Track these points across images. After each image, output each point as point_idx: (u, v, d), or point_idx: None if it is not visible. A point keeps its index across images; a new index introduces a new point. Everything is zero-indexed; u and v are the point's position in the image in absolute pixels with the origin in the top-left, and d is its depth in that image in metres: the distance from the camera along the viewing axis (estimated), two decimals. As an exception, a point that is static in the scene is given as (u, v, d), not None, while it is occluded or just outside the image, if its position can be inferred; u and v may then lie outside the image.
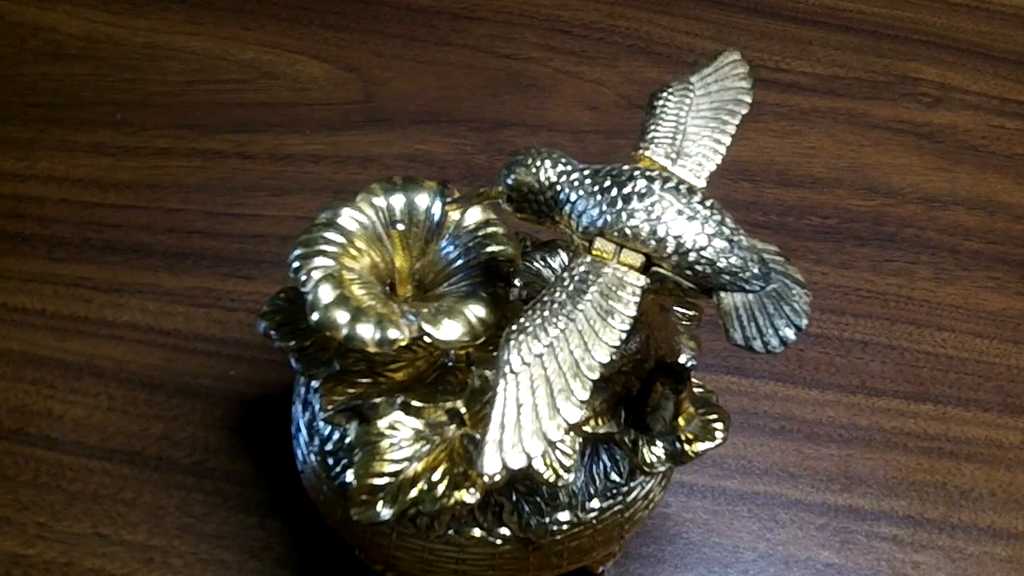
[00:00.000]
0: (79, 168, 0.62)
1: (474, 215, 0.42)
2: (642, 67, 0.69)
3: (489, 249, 0.41)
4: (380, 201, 0.42)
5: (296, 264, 0.39)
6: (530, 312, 0.34)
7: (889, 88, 0.69)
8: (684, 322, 0.45)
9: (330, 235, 0.41)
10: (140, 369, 0.55)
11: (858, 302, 0.60)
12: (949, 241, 0.62)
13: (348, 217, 0.41)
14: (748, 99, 0.40)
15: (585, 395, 0.32)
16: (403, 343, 0.37)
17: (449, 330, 0.37)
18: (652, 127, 0.38)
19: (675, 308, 0.45)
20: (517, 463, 0.31)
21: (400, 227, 0.41)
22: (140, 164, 0.63)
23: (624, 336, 0.33)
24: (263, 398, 0.54)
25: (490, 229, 0.42)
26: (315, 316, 0.38)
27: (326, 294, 0.38)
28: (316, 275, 0.39)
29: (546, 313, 0.34)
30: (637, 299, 0.34)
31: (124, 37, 0.69)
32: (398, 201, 0.42)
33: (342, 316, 0.37)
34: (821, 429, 0.55)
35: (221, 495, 0.51)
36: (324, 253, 0.40)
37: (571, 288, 0.34)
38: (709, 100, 0.39)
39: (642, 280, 0.34)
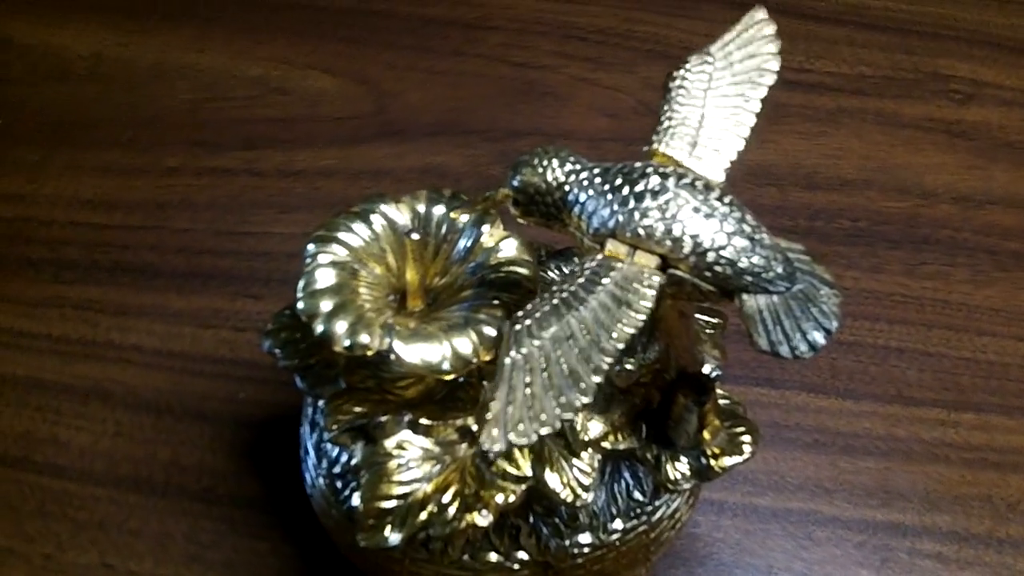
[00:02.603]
0: (87, 189, 0.61)
1: (494, 234, 0.40)
2: (661, 72, 0.66)
3: (504, 272, 0.39)
4: (421, 207, 0.40)
5: (312, 246, 0.38)
6: (538, 301, 0.31)
7: (919, 86, 0.67)
8: (708, 330, 0.42)
9: (357, 226, 0.39)
10: (147, 393, 0.53)
11: (892, 307, 0.57)
12: (986, 242, 0.60)
13: (382, 214, 0.39)
14: (774, 66, 0.37)
15: (598, 378, 0.30)
16: (370, 353, 0.35)
17: (416, 354, 0.35)
18: (667, 116, 0.36)
19: (698, 316, 0.42)
20: (522, 439, 0.29)
21: (415, 236, 0.39)
22: (148, 184, 0.61)
23: (640, 325, 0.31)
24: (273, 420, 0.52)
25: (506, 252, 0.40)
26: (300, 301, 0.36)
27: (323, 279, 0.36)
28: (323, 259, 0.37)
29: (555, 301, 0.31)
30: (654, 292, 0.32)
31: (133, 57, 0.68)
32: (438, 212, 0.40)
33: (325, 305, 0.36)
34: (857, 441, 0.53)
35: (230, 521, 0.49)
36: (343, 243, 0.38)
37: (583, 281, 0.32)
38: (731, 73, 0.37)
39: (659, 275, 0.32)
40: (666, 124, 0.36)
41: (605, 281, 0.32)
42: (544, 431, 0.29)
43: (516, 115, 0.65)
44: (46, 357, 0.54)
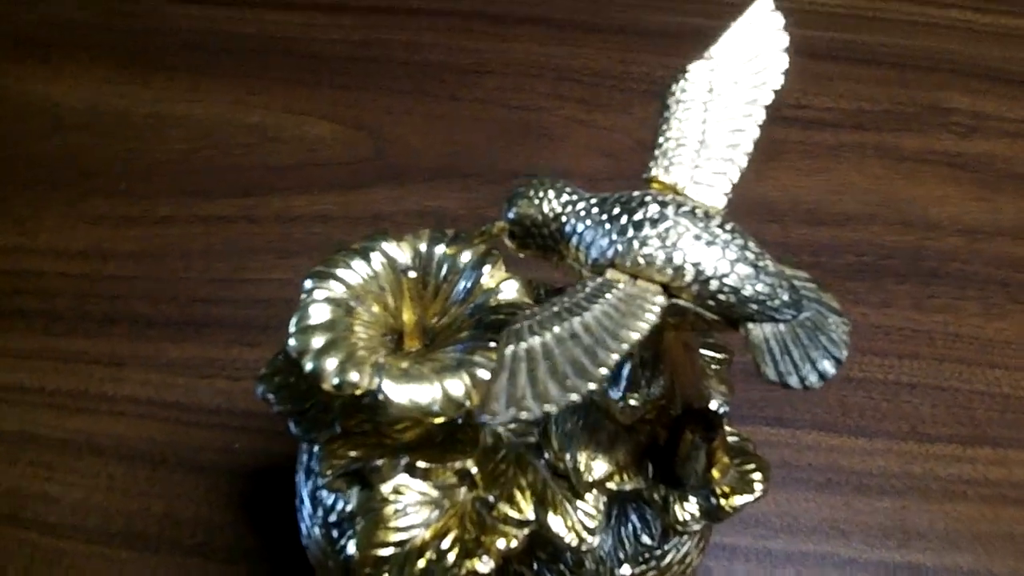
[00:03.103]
0: (80, 240, 0.60)
1: (495, 275, 0.39)
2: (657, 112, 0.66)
3: (503, 314, 0.37)
4: (423, 247, 0.39)
5: (309, 282, 0.37)
6: (538, 309, 0.30)
7: (918, 119, 0.66)
8: (713, 366, 0.41)
9: (356, 263, 0.38)
10: (141, 445, 0.52)
11: (902, 342, 0.56)
12: (996, 274, 0.59)
13: (383, 252, 0.38)
14: (782, 64, 0.36)
15: (604, 371, 0.28)
16: (358, 392, 0.34)
17: (405, 394, 0.34)
18: (666, 135, 0.35)
19: (704, 351, 0.41)
20: (525, 413, 0.27)
21: (412, 274, 0.38)
22: (142, 233, 0.61)
23: (646, 333, 0.29)
24: (270, 470, 0.51)
25: (506, 294, 0.39)
26: (292, 337, 0.35)
27: (317, 315, 0.35)
28: (318, 295, 0.36)
29: (556, 309, 0.30)
30: (658, 307, 0.30)
31: (128, 107, 0.67)
32: (439, 251, 0.39)
33: (316, 342, 0.35)
34: (871, 480, 0.51)
35: (226, 576, 0.48)
36: (340, 280, 0.37)
37: (583, 295, 0.31)
38: (734, 79, 0.36)
39: (662, 295, 0.31)
40: (664, 146, 0.35)
41: (608, 296, 0.31)
42: (549, 408, 0.27)
43: (514, 157, 0.64)
44: (38, 411, 0.53)
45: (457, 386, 0.34)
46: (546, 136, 0.65)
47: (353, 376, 0.34)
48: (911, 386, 0.54)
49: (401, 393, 0.34)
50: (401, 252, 0.39)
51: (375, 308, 0.38)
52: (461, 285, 0.39)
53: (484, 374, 0.34)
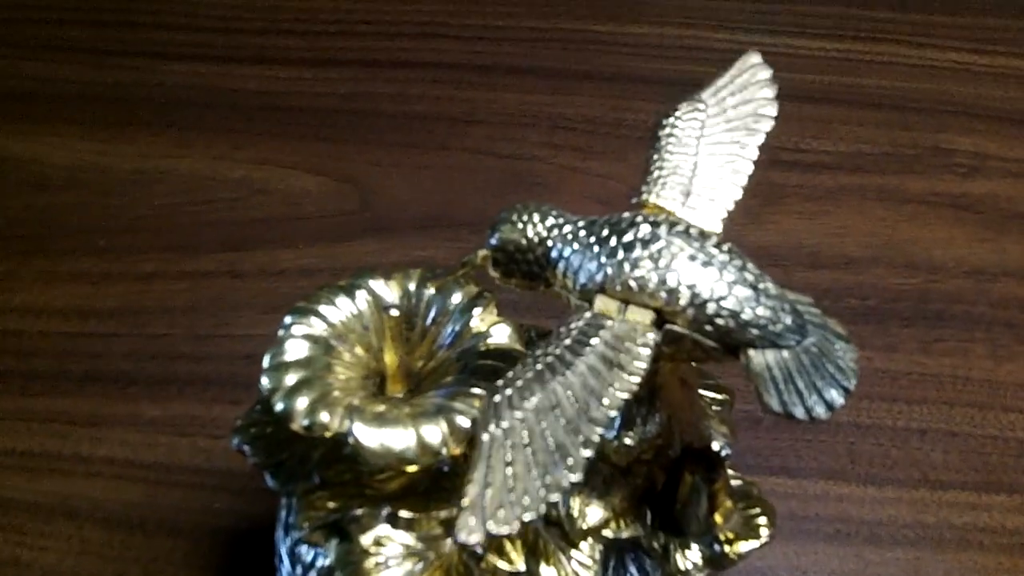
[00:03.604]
0: (59, 298, 0.58)
1: (485, 319, 0.37)
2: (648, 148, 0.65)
3: (490, 361, 0.35)
4: (412, 286, 0.37)
5: (288, 318, 0.35)
6: (521, 367, 0.28)
7: (920, 161, 0.65)
8: (714, 407, 0.39)
9: (340, 300, 0.36)
10: (118, 507, 0.49)
11: (910, 387, 0.54)
12: (1004, 315, 0.57)
13: (369, 290, 0.37)
14: (772, 112, 0.35)
15: (589, 452, 0.26)
16: (328, 434, 0.32)
17: (377, 439, 0.31)
18: (657, 165, 0.33)
19: (703, 392, 0.39)
20: (503, 527, 0.25)
21: (394, 312, 0.36)
22: (124, 290, 0.59)
23: (635, 389, 0.28)
24: (250, 532, 0.48)
25: (496, 339, 0.37)
26: (264, 374, 0.33)
27: (292, 352, 0.33)
28: (296, 331, 0.34)
29: (539, 367, 0.28)
30: (650, 351, 0.28)
31: (110, 164, 0.66)
32: (429, 293, 0.37)
33: (289, 379, 0.33)
34: (883, 530, 0.48)
35: (205, 644, 0.45)
36: (322, 316, 0.35)
37: (569, 342, 0.29)
38: (725, 119, 0.35)
39: (654, 332, 0.29)
40: (656, 174, 0.33)
41: (594, 341, 0.29)
42: (528, 516, 0.26)
43: (505, 205, 0.62)
44: (10, 473, 0.51)
45: (434, 433, 0.32)
46: (539, 184, 0.64)
47: (323, 417, 0.32)
48: (921, 432, 0.52)
49: (373, 438, 0.31)
50: (389, 291, 0.37)
51: (358, 349, 0.36)
52: (449, 328, 0.37)
53: (463, 422, 0.32)
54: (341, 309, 0.36)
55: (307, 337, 0.34)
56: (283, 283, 0.59)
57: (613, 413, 0.27)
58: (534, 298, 0.50)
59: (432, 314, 0.37)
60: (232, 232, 0.62)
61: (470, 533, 0.25)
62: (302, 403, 0.32)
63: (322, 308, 0.36)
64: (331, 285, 0.37)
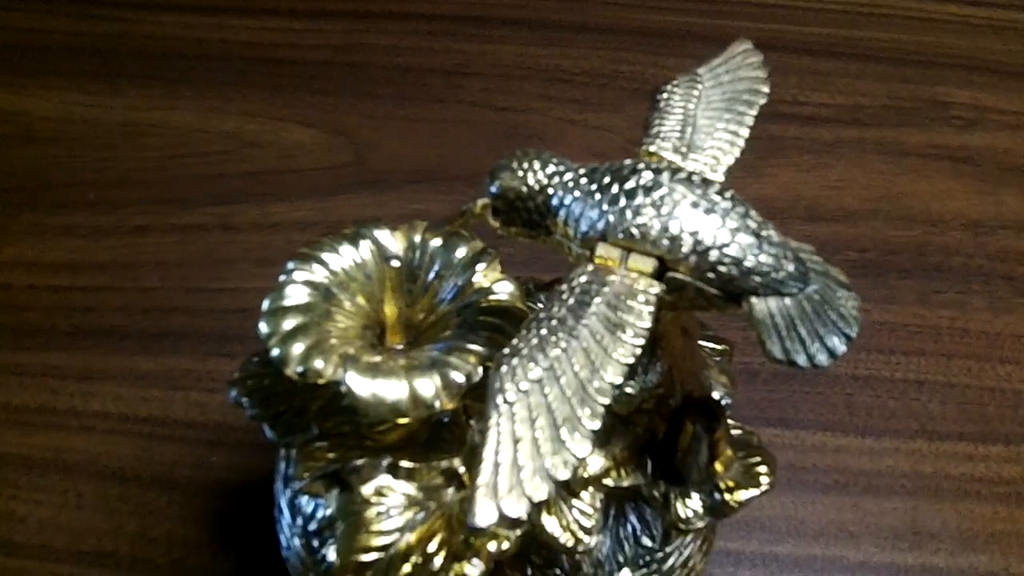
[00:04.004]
0: (50, 252, 0.58)
1: (489, 275, 0.36)
2: (649, 111, 0.65)
3: (491, 317, 0.35)
4: (418, 238, 0.37)
5: (291, 263, 0.35)
6: (524, 332, 0.28)
7: (918, 114, 0.64)
8: (715, 358, 0.39)
9: (344, 248, 0.36)
10: (112, 461, 0.49)
11: (908, 339, 0.54)
12: (1001, 268, 0.56)
13: (374, 239, 0.36)
14: (765, 88, 0.35)
15: (596, 424, 0.26)
16: (321, 381, 0.31)
17: (369, 389, 0.31)
18: (657, 122, 0.33)
19: (703, 343, 0.39)
20: (516, 511, 0.25)
21: (395, 263, 0.36)
22: (115, 244, 0.58)
23: (638, 352, 0.27)
24: (247, 485, 0.48)
25: (499, 295, 0.36)
26: (263, 318, 0.33)
27: (292, 297, 0.33)
28: (298, 277, 0.34)
29: (543, 331, 0.28)
30: (652, 309, 0.28)
31: (99, 117, 0.65)
32: (434, 245, 0.37)
33: (287, 324, 0.32)
34: (880, 481, 0.49)
35: (203, 596, 0.45)
36: (324, 263, 0.35)
37: (571, 302, 0.28)
38: (721, 91, 0.34)
39: (656, 287, 0.29)
40: (656, 129, 0.33)
41: (596, 301, 0.28)
42: (539, 497, 0.26)
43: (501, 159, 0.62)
44: (3, 428, 0.50)
45: (427, 386, 0.32)
46: (536, 137, 0.63)
47: (318, 364, 0.31)
48: (919, 383, 0.52)
49: (365, 387, 0.31)
50: (393, 242, 0.37)
51: (359, 298, 0.36)
52: (452, 282, 0.36)
53: (457, 377, 0.32)
54: (344, 257, 0.35)
55: (308, 283, 0.34)
56: (277, 236, 0.59)
57: (618, 380, 0.27)
58: (531, 252, 0.50)
59: (436, 268, 0.37)
60: (224, 185, 0.61)
61: (485, 519, 0.25)
62: (297, 348, 0.32)
63: (325, 255, 0.35)
64: (336, 233, 0.36)
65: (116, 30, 0.70)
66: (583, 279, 0.29)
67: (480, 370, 0.32)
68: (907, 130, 0.63)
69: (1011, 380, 0.52)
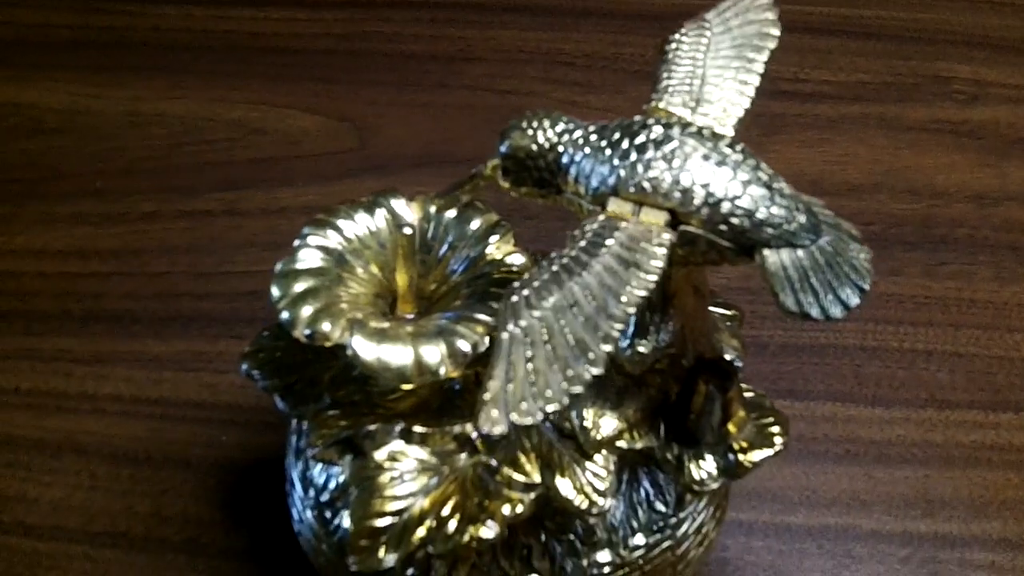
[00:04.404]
0: (59, 240, 0.58)
1: (501, 248, 0.36)
2: (651, 91, 0.65)
3: (499, 290, 0.35)
4: (433, 209, 0.37)
5: (306, 228, 0.35)
6: (536, 270, 0.28)
7: (920, 89, 0.64)
8: (725, 322, 0.39)
9: (360, 216, 0.36)
10: (124, 443, 0.49)
11: (915, 310, 0.54)
12: (1007, 238, 0.57)
13: (390, 208, 0.36)
14: (775, 31, 0.34)
15: (609, 347, 0.26)
16: (328, 343, 0.32)
17: (374, 353, 0.31)
18: (666, 75, 0.33)
19: (713, 309, 0.39)
20: (527, 417, 0.25)
21: (408, 231, 0.36)
22: (123, 230, 0.58)
23: (652, 287, 0.27)
24: (259, 463, 0.48)
25: (508, 266, 0.37)
26: (274, 281, 0.33)
27: (305, 261, 0.34)
28: (312, 241, 0.34)
29: (555, 268, 0.28)
30: (665, 251, 0.28)
31: (105, 107, 0.65)
32: (449, 216, 0.37)
33: (298, 287, 0.33)
34: (891, 450, 0.49)
35: (216, 573, 0.45)
36: (339, 230, 0.35)
37: (584, 244, 0.28)
38: (730, 37, 0.34)
39: (669, 233, 0.29)
40: (665, 83, 0.33)
41: (609, 243, 0.28)
42: (551, 408, 0.26)
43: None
44: (16, 412, 0.50)
45: (432, 353, 0.32)
46: (537, 119, 0.63)
47: (325, 326, 0.32)
48: (927, 353, 0.52)
49: (371, 351, 0.31)
50: (409, 212, 0.37)
51: (372, 266, 0.36)
52: (465, 254, 0.37)
53: (464, 346, 0.32)
54: (359, 224, 0.36)
55: (321, 248, 0.34)
56: (283, 221, 0.59)
57: (631, 309, 0.27)
58: (538, 231, 0.50)
59: (450, 239, 0.37)
60: (230, 172, 0.61)
61: (493, 424, 0.25)
62: (306, 311, 0.32)
63: (340, 222, 0.35)
64: (353, 201, 0.36)
65: (121, 23, 0.70)
66: (595, 225, 0.29)
67: (487, 340, 0.32)
68: (909, 105, 0.63)
69: (1019, 348, 0.52)
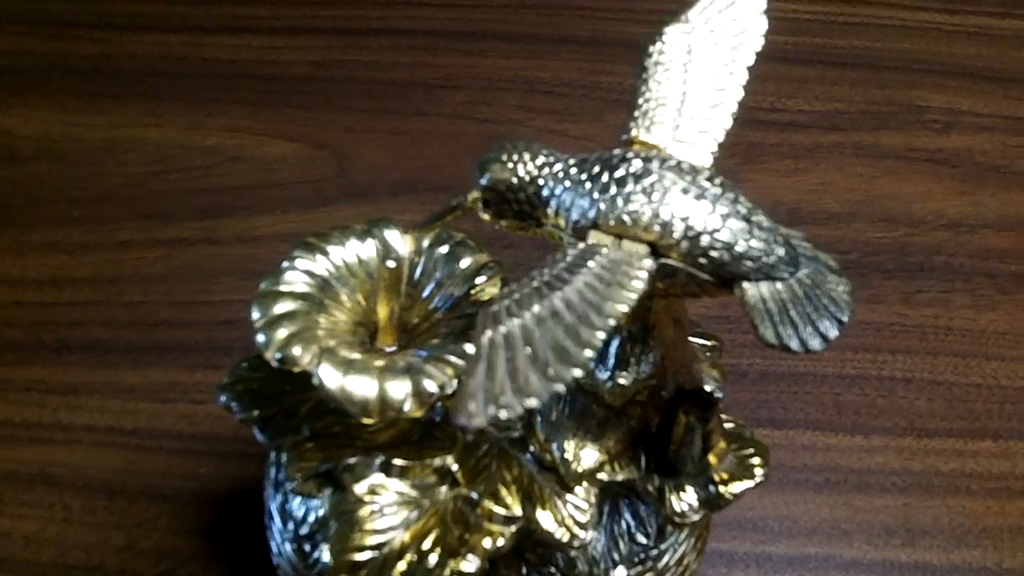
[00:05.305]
0: (33, 268, 0.57)
1: (487, 290, 0.36)
2: (630, 115, 0.65)
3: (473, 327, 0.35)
4: (426, 243, 0.37)
5: (296, 251, 0.35)
6: (516, 285, 0.28)
7: (895, 117, 0.65)
8: (705, 352, 0.39)
9: (351, 243, 0.36)
10: (99, 474, 0.49)
11: (893, 337, 0.54)
12: (983, 266, 0.57)
13: (382, 239, 0.36)
14: (761, 27, 0.34)
15: (591, 353, 0.25)
16: (296, 369, 0.31)
17: (338, 382, 0.31)
18: (645, 98, 0.33)
19: (693, 339, 0.39)
20: (506, 411, 0.24)
21: (391, 264, 0.36)
22: (99, 259, 0.58)
23: (633, 304, 0.27)
24: (237, 495, 0.48)
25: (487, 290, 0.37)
26: (255, 301, 0.33)
27: (289, 283, 0.34)
28: (300, 264, 0.34)
29: (536, 284, 0.27)
30: (646, 275, 0.28)
31: (81, 135, 0.65)
32: (441, 252, 0.37)
33: (278, 309, 0.33)
34: (871, 478, 0.49)
35: (192, 607, 0.44)
36: (328, 255, 0.35)
37: (565, 264, 0.28)
38: (713, 41, 0.34)
39: (650, 260, 0.29)
40: (644, 107, 0.33)
41: (591, 264, 0.28)
42: (531, 403, 0.25)
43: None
44: (-13, 443, 0.50)
45: (398, 390, 0.32)
46: (516, 147, 0.63)
47: (296, 351, 0.32)
48: (906, 381, 0.52)
49: (335, 380, 0.31)
50: (401, 244, 0.37)
51: (358, 295, 0.36)
52: (451, 292, 0.36)
53: (430, 385, 0.32)
54: (349, 251, 0.36)
55: (307, 272, 0.34)
56: (261, 249, 0.58)
57: (612, 321, 0.26)
58: (516, 260, 0.50)
59: (438, 275, 0.37)
60: (207, 200, 0.61)
61: (471, 417, 0.24)
62: (281, 334, 0.32)
63: (330, 247, 0.35)
64: (347, 227, 0.36)
65: (97, 51, 0.70)
66: (577, 250, 0.29)
67: (455, 383, 0.32)
68: (885, 133, 0.64)
69: (997, 376, 0.52)
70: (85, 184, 0.62)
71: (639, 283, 0.28)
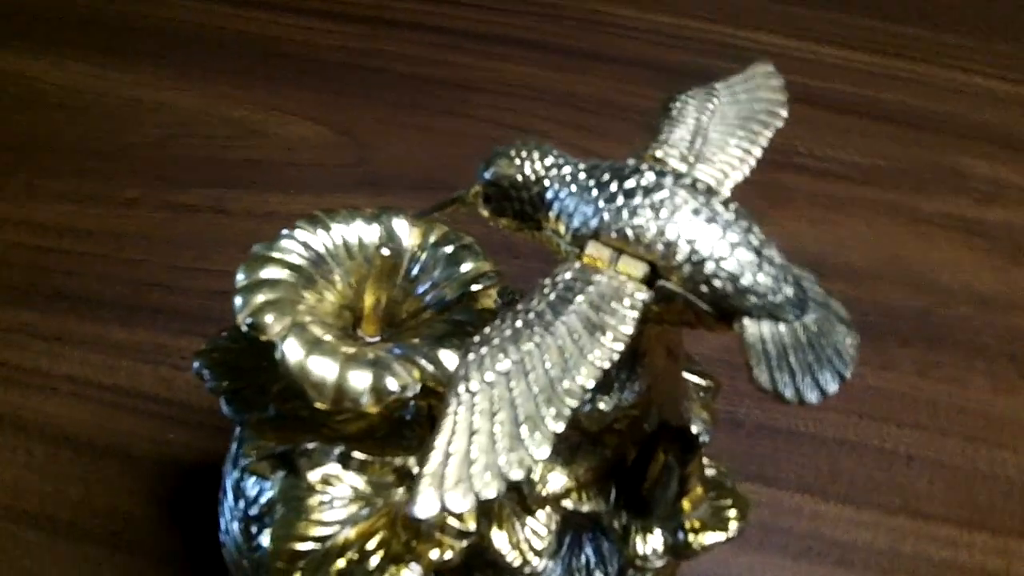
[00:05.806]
0: (39, 213, 0.56)
1: (482, 299, 0.35)
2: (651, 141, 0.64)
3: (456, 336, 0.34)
4: (432, 239, 0.36)
5: (299, 223, 0.35)
6: (498, 322, 0.26)
7: (936, 180, 0.63)
8: (700, 393, 0.37)
9: (356, 224, 0.35)
10: (69, 425, 0.47)
11: (903, 410, 0.51)
12: (1008, 348, 0.55)
13: (388, 227, 0.36)
14: (783, 112, 0.33)
15: (559, 426, 0.24)
16: (263, 338, 0.31)
17: (299, 358, 0.30)
18: (667, 129, 0.31)
19: (688, 376, 0.37)
20: (460, 504, 0.23)
21: (385, 252, 0.35)
22: (104, 213, 0.57)
23: (615, 358, 0.25)
24: (201, 467, 0.46)
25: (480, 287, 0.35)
26: (241, 269, 0.33)
27: (283, 251, 0.33)
28: (299, 235, 0.34)
29: (518, 324, 0.26)
30: (636, 314, 0.26)
31: (108, 89, 0.64)
32: (444, 251, 0.36)
33: (263, 274, 0.32)
34: (856, 555, 0.46)
35: (134, 573, 0.43)
36: (330, 232, 0.35)
37: (553, 297, 0.27)
38: (737, 108, 0.33)
39: (644, 292, 0.27)
40: (665, 136, 0.31)
41: (579, 299, 0.26)
42: (487, 495, 0.24)
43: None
44: (-39, 381, 0.49)
45: (358, 380, 0.30)
46: (541, 159, 0.62)
47: (268, 319, 0.31)
48: (908, 457, 0.50)
49: (297, 357, 0.30)
50: (407, 236, 0.36)
51: (352, 279, 0.34)
52: (444, 293, 0.35)
53: (392, 384, 0.30)
54: (351, 232, 0.34)
55: (304, 244, 0.33)
56: (269, 225, 0.56)
57: (590, 384, 0.25)
58: (523, 271, 0.49)
59: (436, 274, 0.36)
60: (223, 170, 0.60)
61: (425, 509, 0.23)
62: (258, 299, 0.31)
63: (335, 224, 0.34)
64: (358, 208, 0.35)
65: (135, 10, 0.70)
66: (567, 275, 0.27)
67: (418, 387, 0.31)
68: (923, 196, 0.62)
69: (1006, 467, 0.50)
70: (103, 138, 0.61)
71: (627, 328, 0.26)
